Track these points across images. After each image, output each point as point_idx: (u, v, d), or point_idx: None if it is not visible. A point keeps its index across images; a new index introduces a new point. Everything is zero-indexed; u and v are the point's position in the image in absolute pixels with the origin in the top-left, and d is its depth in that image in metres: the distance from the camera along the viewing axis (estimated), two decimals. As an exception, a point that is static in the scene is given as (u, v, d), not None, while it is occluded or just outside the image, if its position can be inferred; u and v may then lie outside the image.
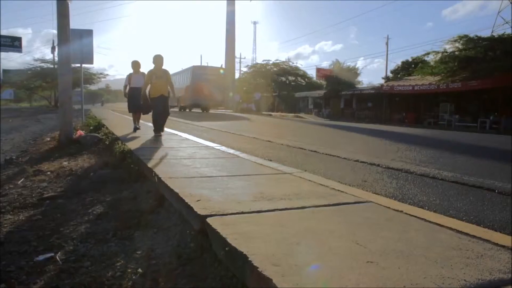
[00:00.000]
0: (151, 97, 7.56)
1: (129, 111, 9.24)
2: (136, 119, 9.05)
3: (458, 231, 2.08)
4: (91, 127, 9.92)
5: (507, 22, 28.57)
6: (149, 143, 6.19)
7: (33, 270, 2.18)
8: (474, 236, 2.00)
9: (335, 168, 4.81)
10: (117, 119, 13.75)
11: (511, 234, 2.17)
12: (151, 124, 7.98)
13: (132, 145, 5.66)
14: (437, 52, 25.34)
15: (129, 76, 8.96)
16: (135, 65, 9.00)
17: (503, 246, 1.87)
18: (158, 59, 7.61)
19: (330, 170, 4.61)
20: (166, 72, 7.75)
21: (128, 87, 8.98)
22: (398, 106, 30.04)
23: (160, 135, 7.42)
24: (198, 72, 24.75)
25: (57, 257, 2.31)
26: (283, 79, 46.62)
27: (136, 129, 8.63)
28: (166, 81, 7.68)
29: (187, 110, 26.93)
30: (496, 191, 3.66)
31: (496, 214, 2.88)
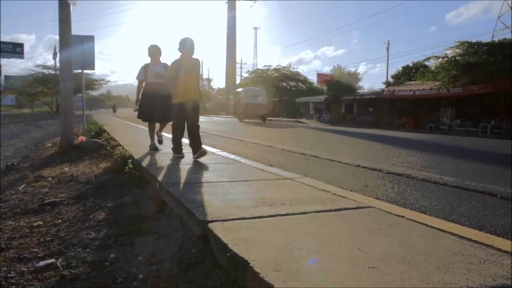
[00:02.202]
0: (174, 102, 5.14)
1: (141, 118, 6.23)
2: (153, 132, 6.21)
3: (460, 236, 2.07)
4: (92, 133, 9.93)
5: (507, 27, 28.69)
6: (151, 149, 6.19)
7: (33, 276, 2.18)
8: (476, 242, 1.99)
9: (336, 173, 4.80)
10: (119, 125, 13.78)
11: (513, 239, 2.16)
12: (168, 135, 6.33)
13: (133, 151, 5.66)
14: (438, 57, 25.38)
15: (145, 68, 6.01)
16: (155, 51, 6.07)
17: (506, 252, 1.86)
18: (187, 45, 5.00)
19: (332, 175, 4.60)
20: (198, 63, 5.34)
21: (143, 84, 6.09)
22: (399, 111, 30.05)
23: (199, 156, 4.95)
24: None
25: (58, 263, 2.31)
26: (284, 84, 46.69)
27: (154, 148, 5.98)
28: (198, 77, 5.38)
29: None
30: (498, 196, 3.65)
31: (498, 219, 2.87)
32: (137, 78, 6.10)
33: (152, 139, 6.13)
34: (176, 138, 5.21)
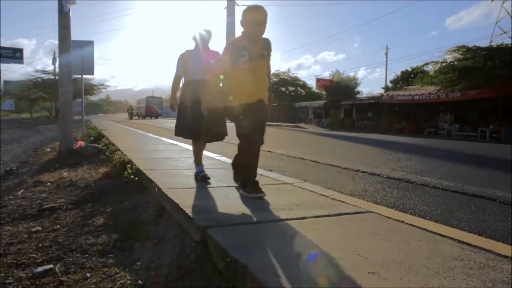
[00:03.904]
0: (241, 104, 3.06)
1: (180, 135, 4.00)
2: (201, 152, 4.07)
3: (460, 241, 2.07)
4: (91, 138, 9.92)
5: (505, 32, 28.86)
6: (150, 154, 6.19)
7: (31, 282, 2.16)
8: (476, 246, 1.99)
9: (335, 178, 4.80)
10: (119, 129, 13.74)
11: (513, 244, 2.16)
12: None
13: (132, 156, 5.65)
14: (436, 62, 25.48)
15: (185, 57, 3.86)
16: (202, 33, 3.88)
17: (506, 257, 1.86)
18: (257, 17, 3.03)
19: (331, 180, 4.60)
20: (269, 45, 3.18)
21: (182, 83, 3.98)
22: (398, 115, 30.09)
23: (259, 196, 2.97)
24: (149, 99, 49.00)
25: (56, 269, 2.30)
26: (283, 89, 46.75)
27: (203, 177, 3.74)
28: (269, 67, 3.32)
29: (144, 118, 44.90)
30: (498, 200, 3.65)
31: (498, 224, 2.86)
32: (176, 73, 3.93)
33: (199, 163, 3.98)
34: (247, 162, 3.16)
